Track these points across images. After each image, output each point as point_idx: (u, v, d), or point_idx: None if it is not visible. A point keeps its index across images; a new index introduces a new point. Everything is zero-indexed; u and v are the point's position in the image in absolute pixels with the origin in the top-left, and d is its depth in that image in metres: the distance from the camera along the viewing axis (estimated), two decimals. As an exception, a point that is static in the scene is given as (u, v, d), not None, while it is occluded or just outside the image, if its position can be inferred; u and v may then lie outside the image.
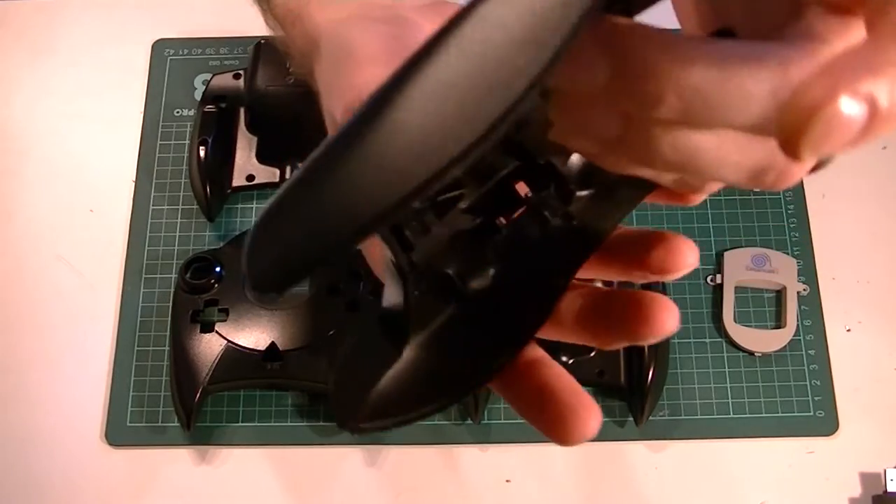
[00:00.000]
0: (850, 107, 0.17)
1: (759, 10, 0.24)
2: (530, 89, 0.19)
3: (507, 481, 0.54)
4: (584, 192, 0.30)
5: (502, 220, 0.29)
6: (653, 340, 0.27)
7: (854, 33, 0.22)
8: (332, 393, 0.28)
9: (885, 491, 0.51)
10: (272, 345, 0.53)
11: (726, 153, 0.23)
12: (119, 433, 0.55)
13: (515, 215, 0.29)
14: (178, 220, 0.61)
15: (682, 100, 0.20)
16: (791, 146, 0.18)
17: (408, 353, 0.29)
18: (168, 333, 0.56)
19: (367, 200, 0.19)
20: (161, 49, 0.66)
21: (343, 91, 0.31)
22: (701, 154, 0.22)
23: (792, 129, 0.18)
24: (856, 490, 0.53)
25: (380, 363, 0.29)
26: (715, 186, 0.27)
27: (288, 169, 0.60)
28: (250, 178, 0.61)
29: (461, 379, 0.30)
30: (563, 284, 0.31)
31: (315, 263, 0.20)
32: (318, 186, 0.20)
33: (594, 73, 0.21)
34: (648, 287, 0.56)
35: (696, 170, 0.23)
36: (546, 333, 0.30)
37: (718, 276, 0.58)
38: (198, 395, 0.52)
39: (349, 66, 0.31)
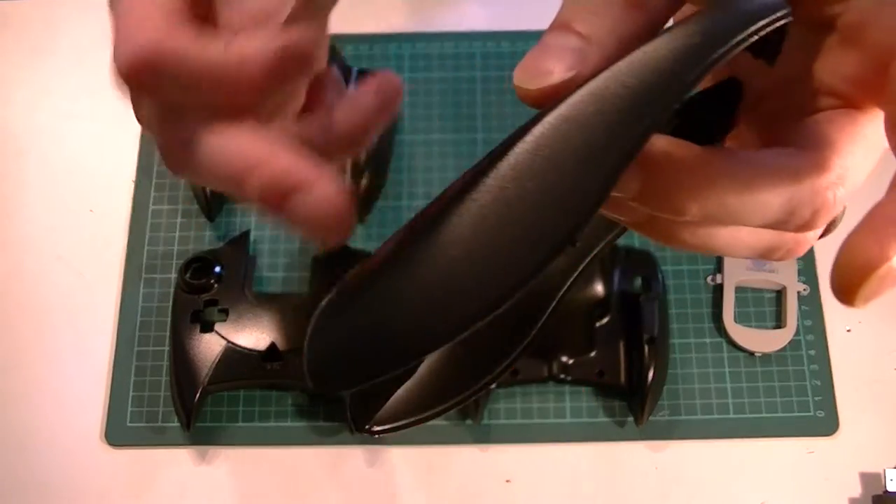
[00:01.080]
0: None
1: (770, 70, 0.26)
2: (587, 217, 0.20)
3: (507, 481, 0.54)
4: None
5: None
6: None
7: (859, 129, 0.24)
8: (348, 402, 0.30)
9: (885, 491, 0.51)
10: (272, 345, 0.53)
11: (741, 239, 0.25)
12: (119, 433, 0.55)
13: None
14: (178, 220, 0.61)
15: (704, 210, 0.22)
16: (848, 298, 0.20)
17: (420, 367, 0.30)
18: (168, 333, 0.56)
19: (442, 320, 0.20)
20: (161, 49, 0.66)
21: None
22: (717, 240, 0.24)
23: (849, 286, 0.20)
24: (856, 490, 0.53)
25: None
26: None
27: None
28: (250, 178, 0.61)
29: (466, 384, 0.31)
30: (556, 294, 0.33)
31: (379, 375, 0.21)
32: (388, 295, 0.21)
33: (626, 189, 0.22)
34: (648, 290, 0.56)
35: (711, 251, 0.25)
36: None
37: (718, 276, 0.58)
38: (198, 395, 0.52)
39: None
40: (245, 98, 0.25)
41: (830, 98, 0.24)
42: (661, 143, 0.22)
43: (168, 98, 0.26)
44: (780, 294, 0.58)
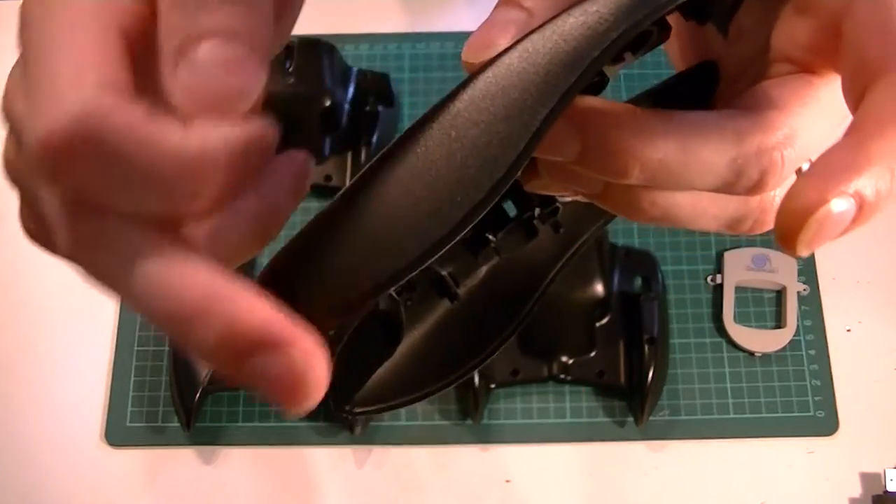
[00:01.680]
0: (839, 205, 0.18)
1: (737, 51, 0.26)
2: (504, 180, 0.20)
3: (507, 481, 0.54)
4: (568, 199, 0.32)
5: (490, 236, 0.31)
6: None
7: (812, 92, 0.24)
8: (330, 381, 0.30)
9: (885, 491, 0.51)
10: (272, 345, 0.53)
11: (702, 208, 0.25)
12: (119, 433, 0.55)
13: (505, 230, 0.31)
14: (178, 220, 0.61)
15: (646, 171, 0.22)
16: (789, 244, 0.19)
17: (401, 348, 0.31)
18: (168, 333, 0.56)
19: (370, 275, 0.21)
20: (161, 49, 0.66)
21: None
22: (678, 209, 0.24)
23: (789, 230, 0.19)
24: (856, 490, 0.53)
25: (375, 357, 0.30)
26: None
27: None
28: (250, 178, 0.61)
29: (450, 369, 0.31)
30: (544, 281, 0.33)
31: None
32: (324, 254, 0.21)
33: (565, 150, 0.22)
34: (648, 290, 0.56)
35: (676, 222, 0.25)
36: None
37: (718, 276, 0.58)
38: (198, 395, 0.52)
39: None
40: (194, 202, 0.18)
41: (786, 65, 0.24)
42: (595, 102, 0.23)
43: (90, 191, 0.19)
44: (780, 294, 0.58)
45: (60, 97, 0.18)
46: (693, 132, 0.22)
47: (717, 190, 0.23)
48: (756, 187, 0.23)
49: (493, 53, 0.22)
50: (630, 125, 0.22)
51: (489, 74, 0.21)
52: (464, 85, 0.22)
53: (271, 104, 0.67)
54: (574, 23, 0.21)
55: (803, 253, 0.19)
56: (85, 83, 0.18)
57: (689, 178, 0.22)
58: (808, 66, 0.24)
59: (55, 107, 0.18)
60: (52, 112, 0.18)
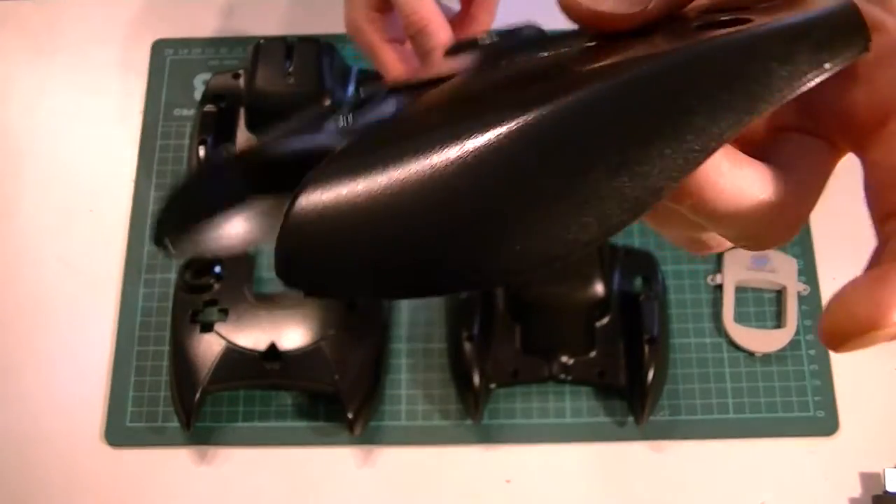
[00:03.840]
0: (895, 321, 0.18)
1: None
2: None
3: (507, 481, 0.54)
4: None
5: None
6: None
7: (827, 169, 0.22)
8: (159, 216, 0.25)
9: (885, 491, 0.51)
10: (272, 345, 0.53)
11: (674, 226, 0.24)
12: (119, 433, 0.55)
13: None
14: (178, 220, 0.61)
15: (688, 205, 0.20)
16: (834, 344, 0.19)
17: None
18: (168, 333, 0.56)
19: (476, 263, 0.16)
20: (161, 49, 0.66)
21: None
22: (658, 225, 0.24)
23: (840, 334, 0.19)
24: (856, 490, 0.53)
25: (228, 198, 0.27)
26: None
27: (288, 169, 0.60)
28: (250, 177, 0.61)
29: None
30: None
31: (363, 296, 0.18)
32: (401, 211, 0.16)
33: None
34: (648, 290, 0.56)
35: (650, 226, 0.25)
36: None
37: (718, 276, 0.58)
38: (198, 395, 0.52)
39: None
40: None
41: (807, 120, 0.22)
42: None
43: None
44: (780, 294, 0.58)
45: (345, 13, 0.51)
46: (743, 186, 0.20)
47: (723, 235, 0.21)
48: (751, 242, 0.21)
49: (605, 7, 0.19)
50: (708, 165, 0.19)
51: (645, 70, 0.17)
52: (654, 59, 0.17)
53: (272, 104, 0.68)
54: (771, 35, 0.17)
55: (845, 353, 0.19)
56: (353, 8, 0.51)
57: (718, 223, 0.21)
58: (828, 134, 0.22)
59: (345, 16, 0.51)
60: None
